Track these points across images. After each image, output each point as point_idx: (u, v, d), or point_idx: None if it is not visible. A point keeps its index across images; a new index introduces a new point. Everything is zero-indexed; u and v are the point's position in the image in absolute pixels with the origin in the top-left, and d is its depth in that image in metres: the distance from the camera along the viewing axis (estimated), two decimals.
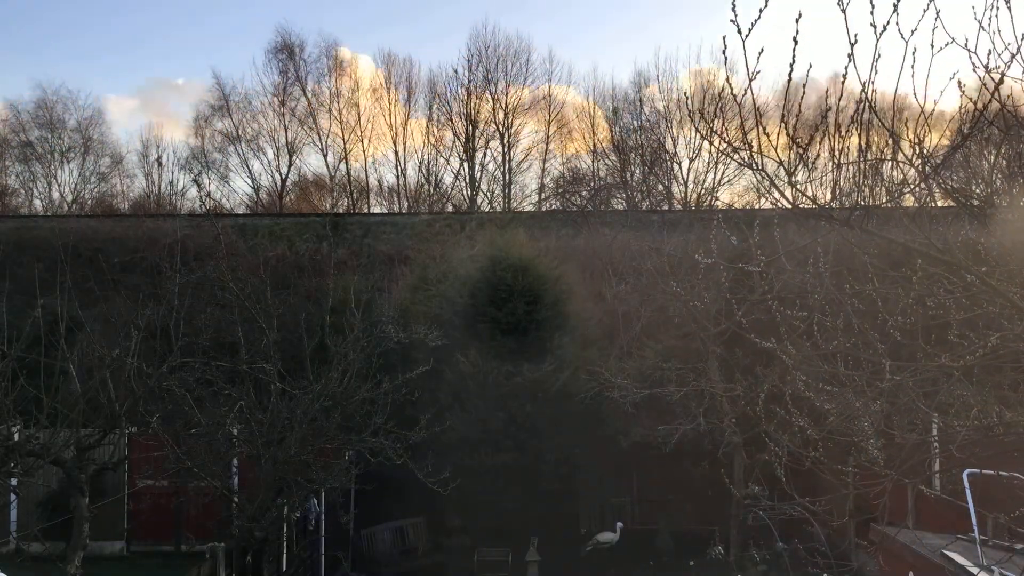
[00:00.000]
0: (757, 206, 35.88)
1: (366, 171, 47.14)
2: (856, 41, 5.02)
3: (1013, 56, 5.30)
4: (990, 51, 5.30)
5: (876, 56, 5.11)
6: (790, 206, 5.87)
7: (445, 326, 19.78)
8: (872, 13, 5.07)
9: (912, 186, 6.79)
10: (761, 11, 5.08)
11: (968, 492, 9.41)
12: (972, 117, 5.41)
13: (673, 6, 71.76)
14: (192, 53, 71.18)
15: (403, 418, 15.42)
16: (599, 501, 21.55)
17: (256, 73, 57.06)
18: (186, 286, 18.25)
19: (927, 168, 6.05)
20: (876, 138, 32.87)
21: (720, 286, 15.62)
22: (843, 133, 6.00)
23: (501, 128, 45.42)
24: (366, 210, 45.04)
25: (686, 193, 43.15)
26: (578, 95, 46.34)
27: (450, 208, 44.19)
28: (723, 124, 5.86)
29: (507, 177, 45.93)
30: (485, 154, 45.81)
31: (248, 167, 46.94)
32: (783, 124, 5.37)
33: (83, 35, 70.85)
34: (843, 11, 5.08)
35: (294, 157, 46.78)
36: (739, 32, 5.08)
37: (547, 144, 45.92)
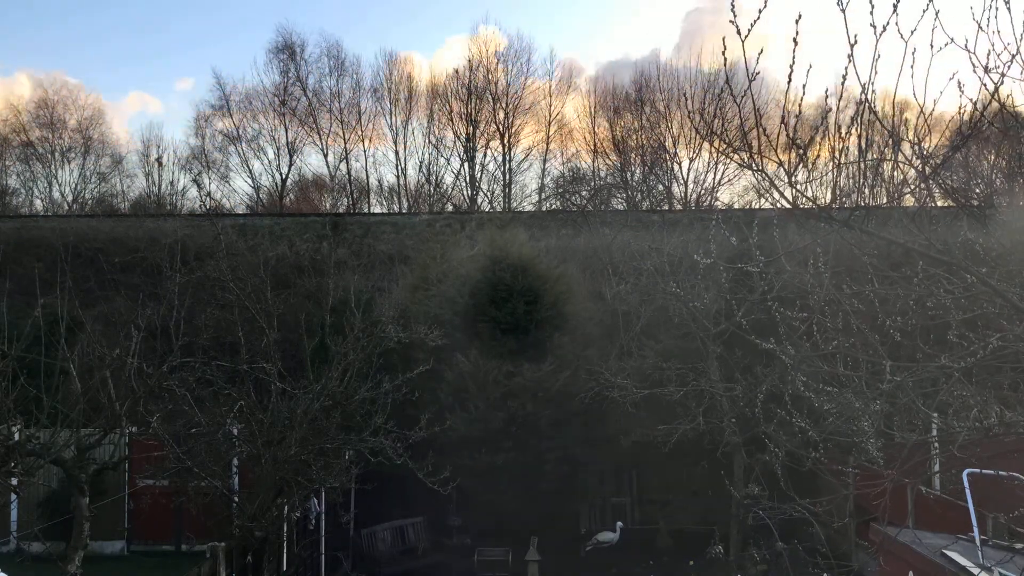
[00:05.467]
0: (757, 206, 35.92)
1: (366, 171, 47.20)
2: (856, 42, 5.03)
3: (1012, 57, 5.31)
4: (989, 52, 5.30)
5: (876, 57, 5.12)
6: (790, 206, 5.87)
7: (445, 326, 19.77)
8: (872, 13, 5.07)
9: (912, 186, 6.79)
10: (760, 12, 5.08)
11: (968, 492, 9.41)
12: (972, 118, 5.41)
13: (675, 6, 71.84)
14: (193, 52, 71.22)
15: (403, 418, 15.42)
16: (599, 501, 21.56)
17: (257, 73, 57.14)
18: (186, 286, 18.25)
19: (927, 169, 6.05)
20: (876, 139, 32.88)
21: (720, 286, 15.63)
22: (843, 134, 5.99)
23: (501, 128, 45.44)
24: (366, 210, 45.07)
25: (686, 193, 43.19)
26: (579, 95, 46.33)
27: (450, 208, 44.21)
28: (723, 125, 5.87)
29: (507, 177, 45.98)
30: (485, 154, 45.87)
31: (248, 167, 47.01)
32: (783, 125, 5.38)
33: (84, 35, 70.95)
34: (843, 11, 5.08)
35: (294, 157, 46.84)
36: (738, 33, 5.09)
37: (547, 144, 45.97)
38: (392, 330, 16.73)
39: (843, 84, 5.29)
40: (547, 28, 76.49)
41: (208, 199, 41.96)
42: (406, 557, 19.51)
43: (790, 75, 5.24)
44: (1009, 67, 5.36)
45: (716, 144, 5.84)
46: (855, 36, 5.06)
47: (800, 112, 5.56)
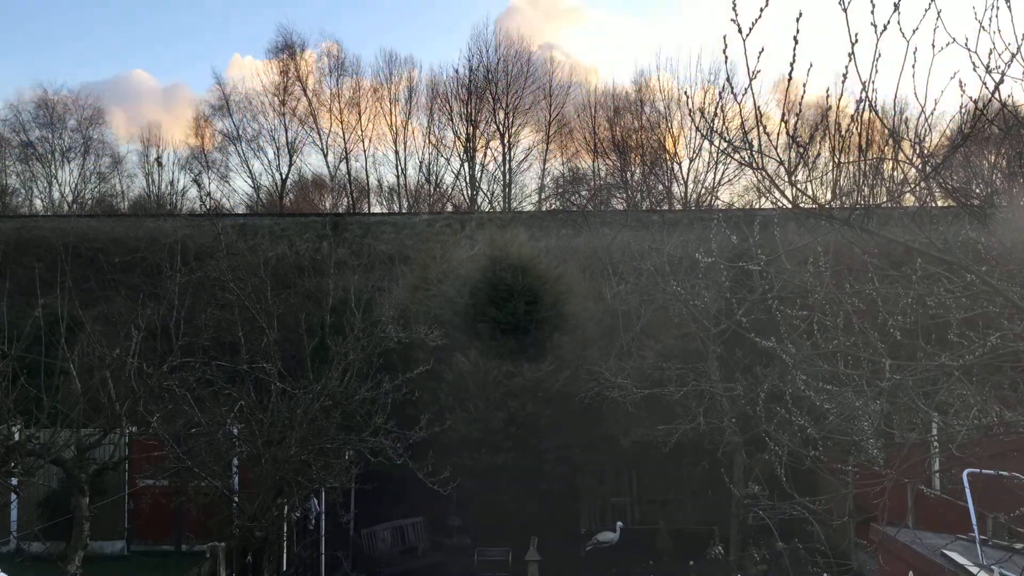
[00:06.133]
0: (757, 206, 35.93)
1: (366, 171, 47.21)
2: (857, 41, 5.02)
3: (1013, 56, 5.30)
4: (991, 51, 5.30)
5: (876, 56, 5.11)
6: (790, 205, 5.87)
7: (445, 326, 19.77)
8: (873, 13, 5.07)
9: (912, 186, 6.79)
10: (762, 10, 5.07)
11: (968, 492, 9.41)
12: (972, 117, 5.41)
13: (675, 5, 71.89)
14: (193, 53, 71.27)
15: (403, 418, 15.42)
16: (599, 501, 21.56)
17: (257, 73, 57.14)
18: (186, 286, 18.23)
19: (927, 168, 6.05)
20: (877, 138, 32.89)
21: (720, 286, 15.62)
22: (843, 132, 5.98)
23: (501, 128, 45.44)
24: (366, 210, 45.08)
25: (686, 193, 43.16)
26: (579, 94, 46.31)
27: (450, 208, 44.21)
28: (724, 123, 5.86)
29: (507, 177, 45.97)
30: (485, 154, 45.86)
31: (248, 167, 47.03)
32: (783, 123, 5.37)
33: (84, 34, 70.98)
34: (844, 10, 5.08)
35: (294, 157, 46.84)
36: (740, 32, 5.08)
37: (547, 144, 45.96)
38: (392, 330, 16.73)
39: (843, 83, 5.28)
40: (547, 27, 76.46)
41: (208, 199, 42.03)
42: (406, 557, 19.50)
43: (790, 74, 5.24)
44: (1010, 66, 5.36)
45: (717, 143, 5.84)
46: (856, 35, 5.06)
47: (800, 111, 5.56)
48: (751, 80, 5.19)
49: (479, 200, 45.44)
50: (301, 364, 16.45)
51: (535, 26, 66.40)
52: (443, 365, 19.32)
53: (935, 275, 6.81)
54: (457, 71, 45.65)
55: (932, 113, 5.54)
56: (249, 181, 47.23)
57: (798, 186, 5.77)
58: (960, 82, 5.40)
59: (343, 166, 46.94)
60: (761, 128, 5.46)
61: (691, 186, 43.37)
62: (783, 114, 5.35)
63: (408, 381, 15.56)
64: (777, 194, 5.71)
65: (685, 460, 18.77)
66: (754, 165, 5.65)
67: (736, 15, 5.01)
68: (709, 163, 41.96)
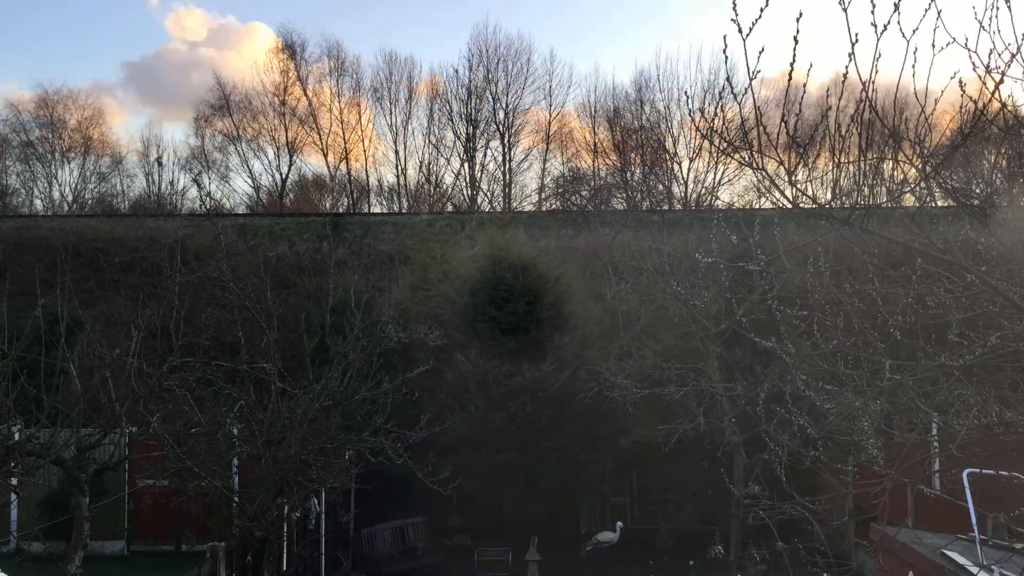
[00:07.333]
0: (757, 206, 35.94)
1: (366, 171, 47.24)
2: (857, 40, 5.02)
3: (1013, 56, 5.31)
4: (991, 51, 5.30)
5: (877, 56, 5.11)
6: (790, 205, 5.87)
7: (445, 326, 19.76)
8: (873, 13, 5.07)
9: (912, 186, 6.79)
10: (762, 10, 5.07)
11: (968, 492, 9.42)
12: (973, 117, 5.41)
13: (675, 5, 71.89)
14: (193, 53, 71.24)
15: (403, 418, 15.42)
16: (599, 501, 21.56)
17: (257, 73, 57.12)
18: (186, 286, 18.21)
19: (927, 168, 6.05)
20: (877, 138, 32.90)
21: (720, 285, 15.64)
22: (844, 132, 5.98)
23: (501, 128, 45.46)
24: (366, 210, 45.12)
25: (686, 193, 43.19)
26: (579, 94, 46.33)
27: (450, 208, 44.24)
28: (724, 123, 5.86)
29: (507, 177, 45.99)
30: (485, 154, 45.88)
31: (248, 167, 47.08)
32: (783, 124, 5.37)
33: (83, 33, 70.98)
34: (844, 10, 5.08)
35: (294, 157, 46.87)
36: (740, 31, 5.08)
37: (547, 144, 45.97)
38: (392, 330, 16.73)
39: (844, 83, 5.28)
40: (547, 28, 76.54)
41: (208, 199, 42.04)
42: (406, 557, 19.50)
43: (791, 73, 5.24)
44: (1010, 66, 5.36)
45: (717, 143, 5.84)
46: (856, 35, 5.06)
47: (800, 111, 5.56)
48: (751, 80, 5.19)
49: (479, 200, 45.47)
50: (301, 364, 16.45)
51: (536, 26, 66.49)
52: (443, 365, 19.30)
53: (935, 275, 6.81)
54: (457, 71, 45.73)
55: (932, 113, 5.55)
56: (249, 181, 47.33)
57: (798, 186, 5.77)
58: (960, 82, 5.40)
59: (343, 166, 47.01)
60: (761, 128, 5.46)
61: (691, 186, 43.44)
62: (783, 114, 5.35)
63: (408, 381, 15.56)
64: (777, 194, 5.71)
65: (685, 460, 18.76)
66: (754, 165, 5.65)
67: (736, 15, 5.02)
68: (709, 163, 42.04)
